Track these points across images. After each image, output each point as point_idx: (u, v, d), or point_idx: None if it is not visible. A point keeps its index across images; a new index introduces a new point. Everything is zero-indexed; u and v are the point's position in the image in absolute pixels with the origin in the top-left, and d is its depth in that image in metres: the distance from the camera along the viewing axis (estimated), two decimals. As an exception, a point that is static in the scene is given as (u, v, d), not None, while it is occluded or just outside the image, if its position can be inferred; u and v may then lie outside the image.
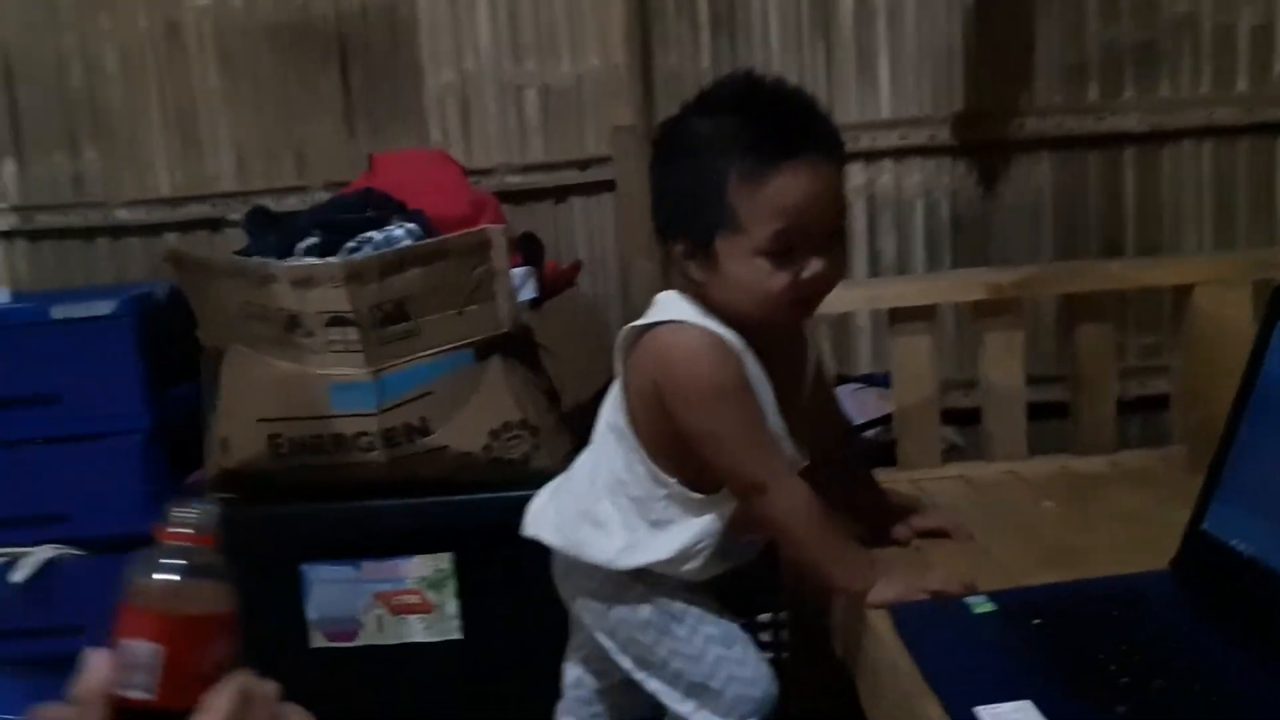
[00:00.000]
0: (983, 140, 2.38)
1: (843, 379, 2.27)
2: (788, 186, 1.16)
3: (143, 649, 0.65)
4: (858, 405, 2.16)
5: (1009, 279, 1.72)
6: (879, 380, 2.17)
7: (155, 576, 0.66)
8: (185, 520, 0.68)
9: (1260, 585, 1.05)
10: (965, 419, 2.03)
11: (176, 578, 0.66)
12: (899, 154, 2.40)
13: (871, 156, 2.40)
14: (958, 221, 2.41)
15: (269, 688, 0.69)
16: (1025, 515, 1.51)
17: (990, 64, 2.36)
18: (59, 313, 2.03)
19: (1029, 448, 1.78)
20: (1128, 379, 2.35)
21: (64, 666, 0.65)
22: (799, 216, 1.16)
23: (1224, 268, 1.71)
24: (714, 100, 1.25)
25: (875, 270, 2.43)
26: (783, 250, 1.17)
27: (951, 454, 1.93)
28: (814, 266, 1.18)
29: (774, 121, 1.18)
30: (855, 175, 2.40)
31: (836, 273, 1.21)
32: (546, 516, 1.40)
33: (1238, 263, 1.76)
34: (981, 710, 0.95)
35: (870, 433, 2.10)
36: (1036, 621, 1.10)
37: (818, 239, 1.18)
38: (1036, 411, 1.97)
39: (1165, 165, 2.37)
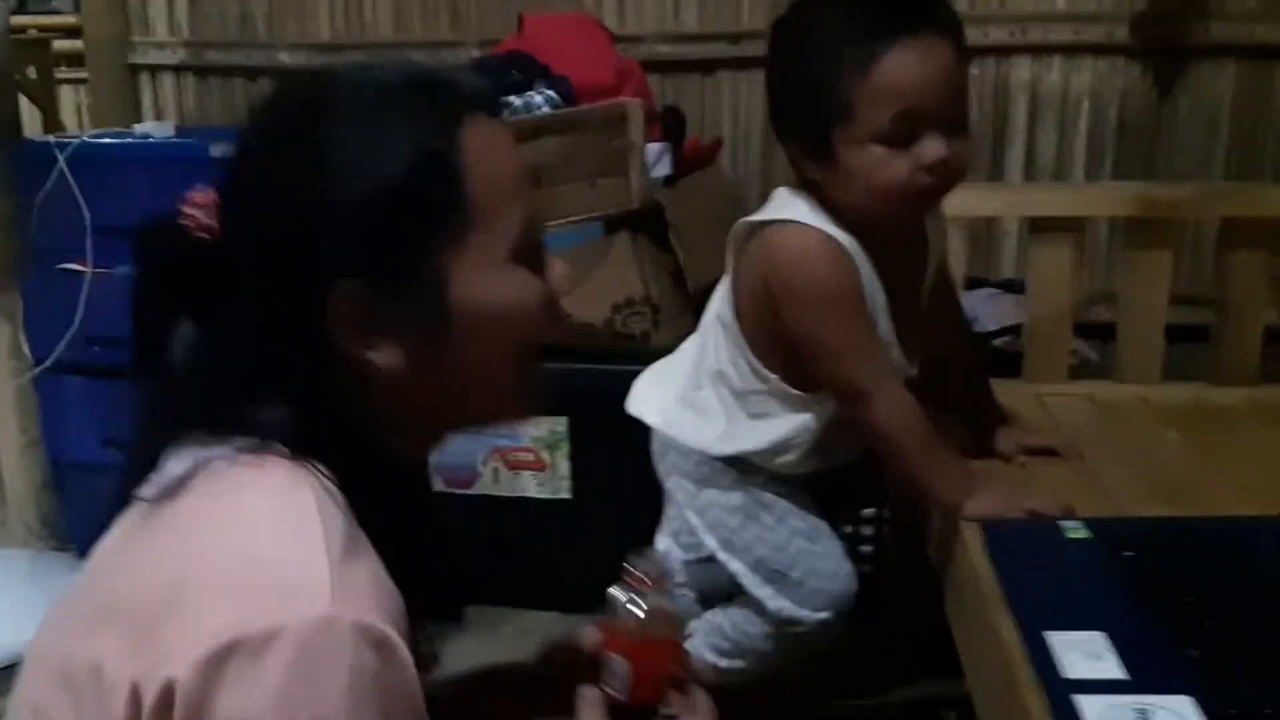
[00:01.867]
0: (1163, 42, 2.25)
1: (981, 282, 2.21)
2: (900, 64, 1.12)
3: (618, 663, 0.90)
4: (994, 311, 2.12)
5: (1162, 196, 1.64)
6: (1018, 286, 2.11)
7: (624, 609, 0.91)
8: (642, 569, 0.93)
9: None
10: (1105, 333, 1.96)
11: (638, 612, 0.91)
12: (1070, 50, 2.29)
13: (1040, 51, 2.29)
14: (1124, 127, 2.30)
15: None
16: (1146, 443, 1.46)
17: (1182, -41, 2.21)
18: (218, 150, 2.12)
19: (1166, 372, 1.72)
20: (1288, 310, 2.23)
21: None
22: (914, 97, 1.13)
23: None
24: None
25: (1030, 171, 2.34)
26: (900, 135, 1.14)
27: (1082, 370, 1.88)
28: (934, 151, 1.14)
29: (882, 4, 1.15)
30: (1021, 70, 2.31)
31: (959, 162, 1.17)
32: (650, 397, 1.43)
33: None
34: (1051, 635, 0.94)
35: (1001, 340, 2.06)
36: (1128, 554, 1.08)
37: (937, 123, 1.14)
38: (1183, 333, 1.90)
39: (1365, 84, 2.20)
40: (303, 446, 0.72)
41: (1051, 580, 1.07)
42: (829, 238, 1.20)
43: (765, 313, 1.26)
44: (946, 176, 1.17)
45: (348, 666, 0.63)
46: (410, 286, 0.74)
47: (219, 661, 0.62)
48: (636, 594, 0.92)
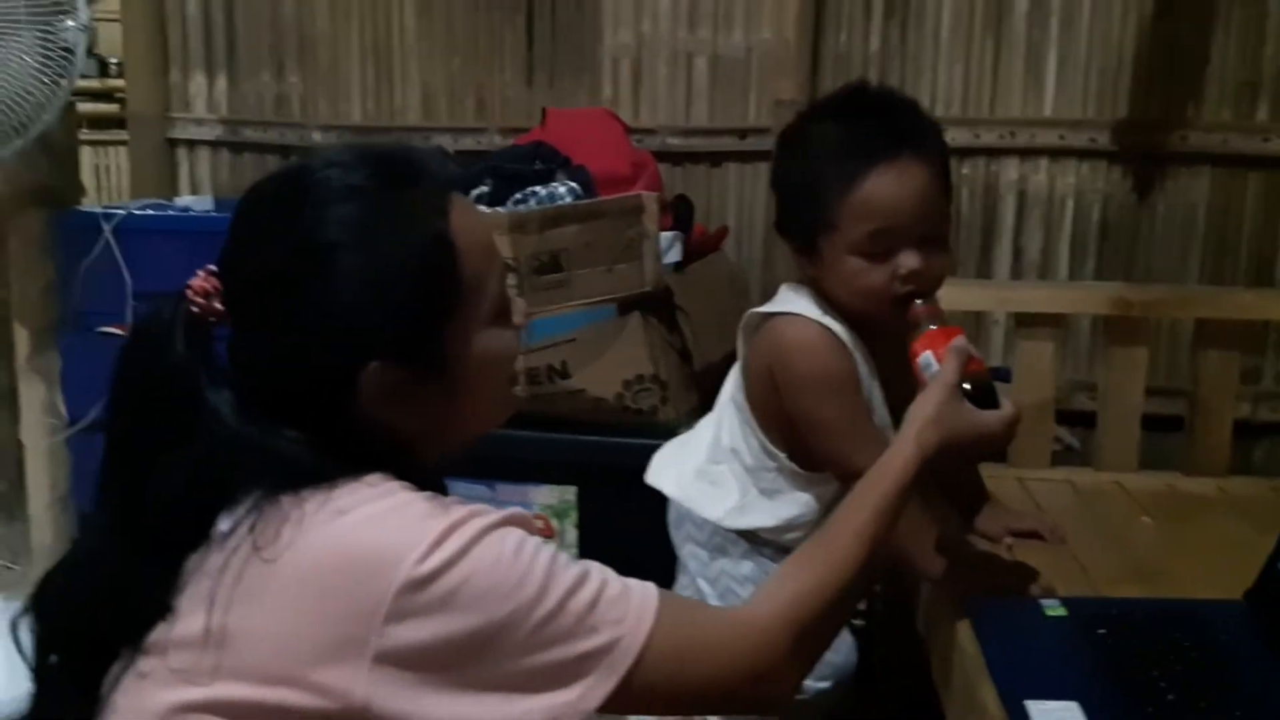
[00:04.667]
0: (1143, 149, 2.37)
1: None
2: (876, 189, 1.24)
3: (933, 354, 1.13)
4: (980, 397, 2.22)
5: (1137, 297, 1.76)
6: (1003, 374, 2.22)
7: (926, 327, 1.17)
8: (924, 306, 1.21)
9: (1322, 631, 1.11)
10: (1087, 421, 2.07)
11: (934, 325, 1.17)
12: (1056, 153, 2.41)
13: (1028, 153, 2.42)
14: (1106, 227, 2.42)
15: None
16: (1121, 528, 1.56)
17: (1160, 73, 2.35)
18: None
19: (1142, 459, 1.82)
20: (1260, 402, 2.35)
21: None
22: (889, 217, 1.24)
23: (1360, 310, 1.71)
24: (823, 106, 1.37)
25: (1018, 267, 2.46)
26: (877, 250, 1.25)
27: (1063, 456, 1.98)
28: (909, 263, 1.25)
29: (867, 127, 1.27)
30: (1009, 170, 2.44)
31: (936, 272, 1.27)
32: (668, 469, 1.53)
33: (1376, 308, 1.75)
34: (1031, 704, 1.04)
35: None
36: (1101, 631, 1.18)
37: (911, 240, 1.25)
38: (1160, 423, 2.01)
39: (1328, 194, 2.34)
40: (359, 472, 0.83)
41: (1031, 653, 1.15)
42: (826, 329, 1.31)
43: (772, 396, 1.37)
44: (922, 286, 1.26)
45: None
46: (426, 361, 0.86)
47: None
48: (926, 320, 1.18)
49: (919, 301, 1.20)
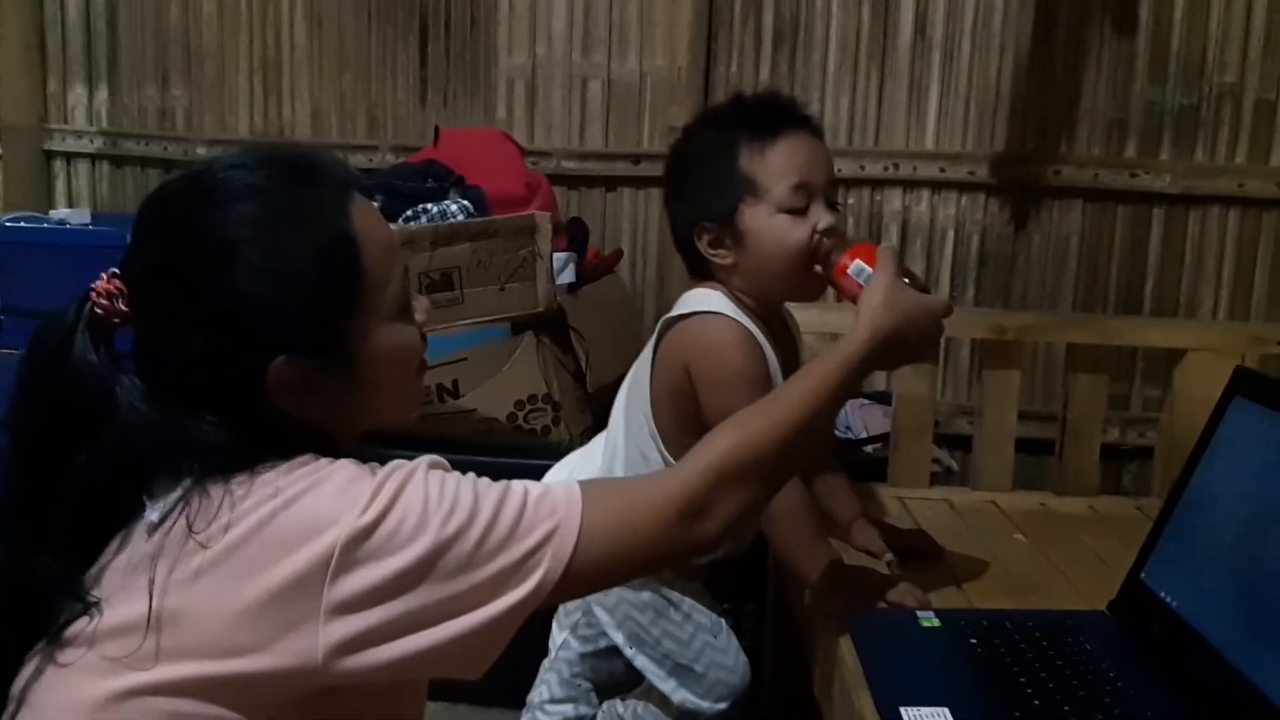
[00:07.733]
0: (1019, 182, 2.47)
1: (854, 392, 2.37)
2: (792, 146, 1.34)
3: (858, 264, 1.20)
4: (864, 419, 2.28)
5: (1012, 322, 1.83)
6: (886, 398, 2.28)
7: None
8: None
9: (1179, 638, 1.16)
10: (967, 445, 2.13)
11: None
12: (937, 185, 2.50)
13: (911, 185, 2.50)
14: (985, 256, 2.51)
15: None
16: (995, 544, 1.61)
17: (1035, 110, 2.46)
18: (135, 239, 2.18)
19: (1017, 480, 1.89)
20: (1130, 427, 2.45)
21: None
22: (807, 172, 1.34)
23: (1216, 337, 1.80)
24: (712, 111, 1.49)
25: (900, 293, 2.52)
26: (797, 204, 1.33)
27: (942, 477, 2.04)
28: (826, 218, 1.33)
29: (768, 104, 1.40)
30: (893, 201, 2.51)
31: (842, 230, 1.38)
32: None
33: (1231, 333, 1.84)
34: (905, 710, 1.07)
35: (872, 447, 2.21)
36: (973, 641, 1.21)
37: (825, 195, 1.35)
38: (1034, 446, 2.08)
39: (1191, 228, 2.46)
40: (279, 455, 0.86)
41: (906, 663, 1.18)
42: (744, 327, 1.35)
43: (682, 403, 1.37)
44: (834, 240, 1.33)
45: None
46: (330, 355, 0.88)
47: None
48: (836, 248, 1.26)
49: (823, 239, 1.31)
